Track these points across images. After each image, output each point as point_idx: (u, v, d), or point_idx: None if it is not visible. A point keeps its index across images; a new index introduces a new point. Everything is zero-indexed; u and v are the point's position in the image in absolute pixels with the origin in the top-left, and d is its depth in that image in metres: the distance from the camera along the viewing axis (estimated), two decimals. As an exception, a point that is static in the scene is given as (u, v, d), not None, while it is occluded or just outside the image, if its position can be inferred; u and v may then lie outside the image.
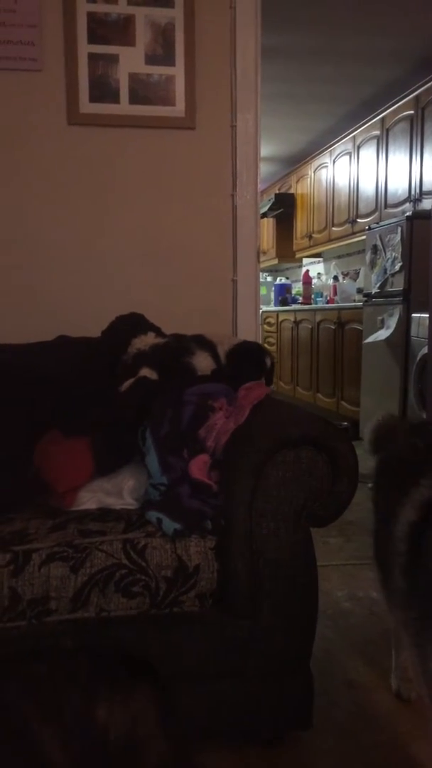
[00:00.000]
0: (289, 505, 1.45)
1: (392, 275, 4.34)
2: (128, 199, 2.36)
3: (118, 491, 1.62)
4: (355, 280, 6.11)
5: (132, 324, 1.99)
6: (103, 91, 2.30)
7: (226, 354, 2.00)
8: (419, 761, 1.49)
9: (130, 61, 2.30)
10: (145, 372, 1.84)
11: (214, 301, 2.42)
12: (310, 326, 6.01)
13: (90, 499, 1.60)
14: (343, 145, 5.94)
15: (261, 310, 2.66)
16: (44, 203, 2.31)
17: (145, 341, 1.93)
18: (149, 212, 2.37)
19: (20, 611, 1.33)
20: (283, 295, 7.42)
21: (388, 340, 4.26)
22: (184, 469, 1.56)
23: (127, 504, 1.60)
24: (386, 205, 5.12)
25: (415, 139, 4.69)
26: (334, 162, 6.18)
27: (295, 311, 6.56)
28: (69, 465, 1.64)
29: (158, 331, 2.00)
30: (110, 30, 2.28)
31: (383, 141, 5.15)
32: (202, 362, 1.90)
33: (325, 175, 6.43)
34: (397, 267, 4.26)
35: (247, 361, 2.00)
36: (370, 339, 4.50)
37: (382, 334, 4.31)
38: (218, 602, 1.44)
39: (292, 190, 7.45)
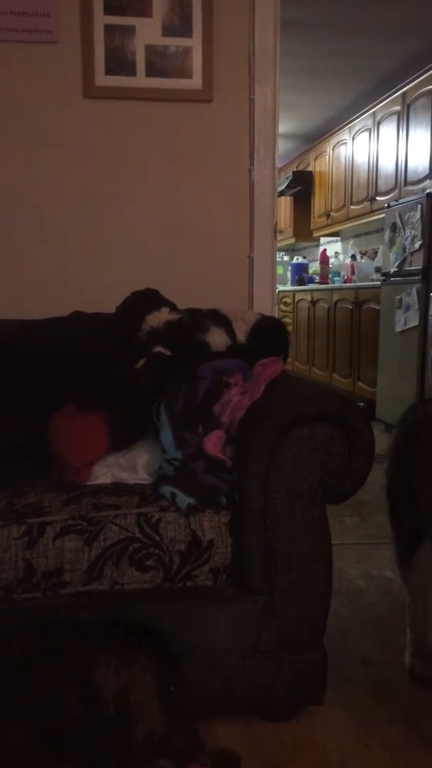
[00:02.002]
0: (305, 481, 1.44)
1: (411, 254, 4.28)
2: (144, 173, 2.33)
3: (132, 466, 1.62)
4: (373, 259, 6.04)
5: (146, 300, 1.97)
6: (119, 63, 2.26)
7: (248, 330, 1.96)
8: (433, 738, 1.48)
9: (147, 32, 2.26)
10: (159, 349, 1.83)
11: (230, 277, 2.40)
12: (326, 306, 5.96)
13: (104, 473, 1.60)
14: (363, 121, 5.84)
15: (277, 290, 2.62)
16: (59, 177, 2.29)
17: (158, 318, 1.92)
18: (165, 187, 2.34)
19: (34, 583, 1.33)
20: (300, 274, 7.36)
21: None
22: (199, 444, 1.55)
23: (141, 479, 1.60)
24: (406, 183, 5.04)
25: (437, 115, 4.60)
26: (353, 139, 6.09)
27: (311, 291, 6.51)
28: (84, 440, 1.64)
29: (172, 307, 1.98)
30: (126, 0, 2.24)
31: (404, 117, 5.05)
32: (217, 339, 1.89)
33: (344, 152, 6.33)
34: (417, 245, 4.20)
35: (271, 337, 1.97)
36: (399, 327, 4.38)
37: (412, 318, 4.22)
38: (232, 577, 1.43)
39: (310, 168, 7.36)
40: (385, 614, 2.06)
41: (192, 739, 1.22)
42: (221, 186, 2.38)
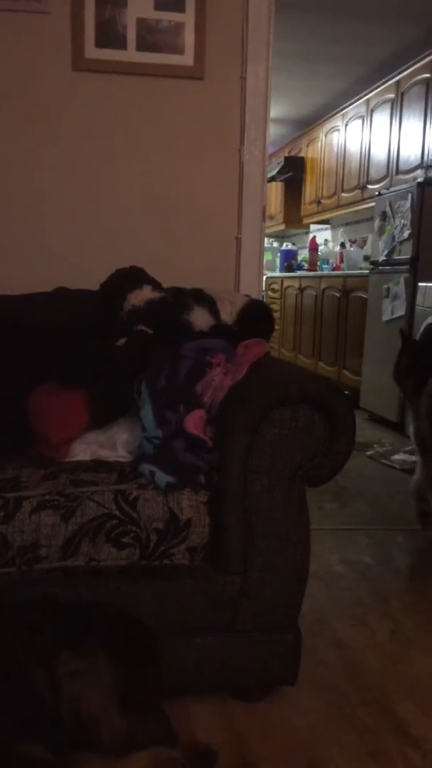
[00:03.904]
0: (285, 463, 1.43)
1: (400, 243, 4.28)
2: (132, 149, 2.30)
3: (112, 444, 1.61)
4: (362, 247, 6.03)
5: (131, 277, 1.95)
6: (110, 36, 2.23)
7: (237, 312, 1.94)
8: (405, 720, 1.50)
9: (139, 5, 2.23)
10: (141, 328, 1.81)
11: (217, 258, 2.38)
12: (314, 293, 5.96)
13: (83, 450, 1.59)
14: (356, 108, 5.81)
15: (266, 276, 2.61)
16: (46, 151, 2.26)
17: (140, 296, 1.89)
18: (153, 164, 2.32)
19: (10, 558, 1.32)
20: (289, 261, 7.34)
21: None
22: (180, 423, 1.54)
23: (120, 456, 1.59)
24: (398, 171, 5.02)
25: (431, 104, 4.58)
26: (346, 125, 6.06)
27: (300, 278, 6.50)
28: (64, 416, 1.63)
29: (156, 285, 1.96)
30: (119, -28, 2.20)
31: (397, 105, 5.03)
32: (200, 318, 1.86)
33: (336, 138, 6.30)
34: (406, 234, 4.19)
35: (258, 320, 1.96)
36: (386, 317, 4.37)
37: (399, 307, 4.22)
38: (209, 557, 1.43)
39: (302, 154, 7.32)
40: (361, 599, 2.07)
41: (162, 734, 1.21)
42: (210, 165, 2.36)
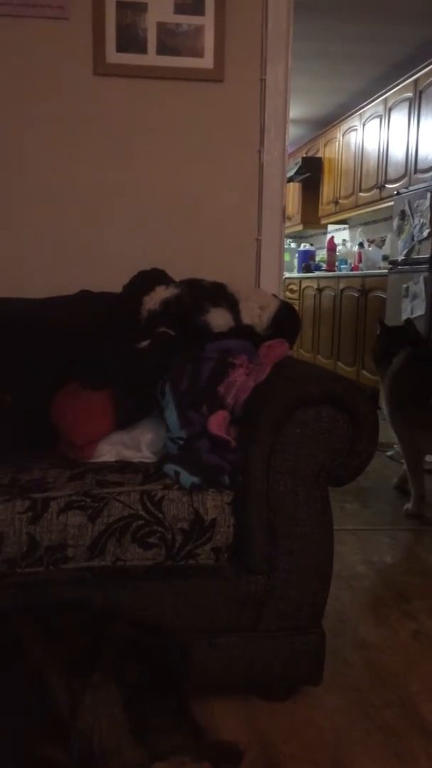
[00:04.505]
0: (308, 463, 1.44)
1: (419, 242, 4.26)
2: (153, 152, 2.32)
3: (136, 444, 1.62)
4: (380, 247, 6.01)
5: (152, 279, 1.96)
6: (130, 40, 2.24)
7: (270, 318, 1.91)
8: (429, 721, 1.49)
9: (159, 9, 2.24)
10: (163, 329, 1.81)
11: (237, 259, 2.39)
12: (333, 294, 5.94)
13: (108, 451, 1.61)
14: (374, 107, 5.79)
15: (283, 276, 2.61)
16: (67, 155, 2.27)
17: (154, 299, 1.87)
18: (174, 166, 2.33)
19: (38, 557, 1.34)
20: (307, 261, 7.33)
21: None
22: (203, 424, 1.55)
23: (145, 457, 1.60)
24: (416, 170, 5.00)
25: (449, 102, 4.56)
26: (363, 125, 6.03)
27: (318, 278, 6.48)
28: (88, 418, 1.64)
29: (175, 285, 1.94)
30: (139, -23, 2.22)
31: (416, 103, 5.01)
32: (219, 319, 1.86)
33: (354, 138, 6.28)
34: (425, 233, 4.17)
35: (290, 326, 1.96)
36: (406, 316, 4.35)
37: (418, 307, 4.20)
38: (234, 557, 1.44)
39: (319, 154, 7.31)
40: (384, 599, 2.07)
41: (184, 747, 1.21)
42: (230, 167, 2.36)
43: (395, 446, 3.86)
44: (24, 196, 2.27)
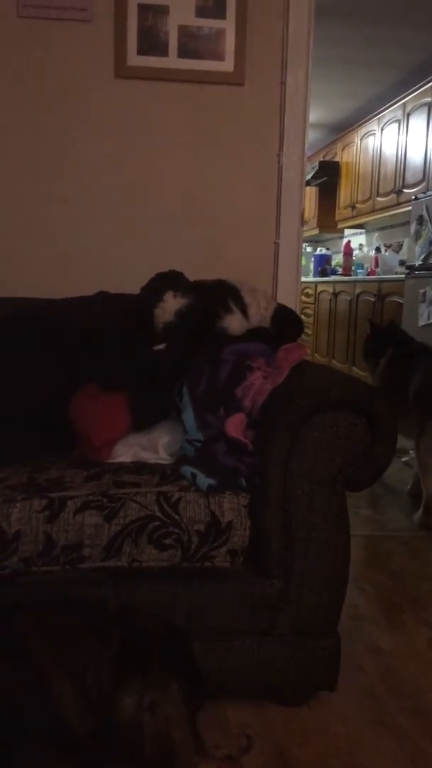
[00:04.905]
0: (325, 467, 1.43)
1: (437, 247, 4.24)
2: (173, 154, 2.32)
3: (153, 446, 1.62)
4: (397, 252, 5.98)
5: (170, 281, 1.97)
6: (152, 43, 2.26)
7: (270, 316, 1.95)
8: (444, 729, 1.48)
9: (180, 12, 2.25)
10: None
11: (255, 262, 2.39)
12: (348, 298, 5.92)
13: (125, 452, 1.61)
14: (393, 112, 5.77)
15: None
16: (88, 156, 2.29)
17: (166, 310, 1.87)
18: (193, 168, 2.34)
19: (54, 557, 1.34)
20: (323, 266, 7.31)
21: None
22: (220, 427, 1.55)
23: (161, 459, 1.60)
24: (434, 175, 4.98)
25: (469, 107, 4.53)
26: (382, 130, 6.02)
27: (334, 282, 6.47)
28: (105, 419, 1.65)
29: (185, 287, 1.94)
30: (161, -20, 2.23)
31: (435, 108, 4.98)
32: (234, 323, 1.87)
33: (372, 143, 6.27)
34: (443, 239, 4.15)
35: (291, 322, 1.97)
36: (423, 321, 4.34)
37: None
38: (249, 560, 1.44)
39: (337, 158, 7.29)
40: (399, 606, 2.05)
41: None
42: (249, 170, 2.37)
43: (411, 452, 3.84)
44: (42, 196, 2.29)
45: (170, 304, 1.89)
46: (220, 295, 1.93)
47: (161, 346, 1.79)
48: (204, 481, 1.41)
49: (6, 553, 1.32)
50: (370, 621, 1.96)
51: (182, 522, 1.38)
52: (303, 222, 2.48)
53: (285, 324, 1.93)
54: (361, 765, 1.36)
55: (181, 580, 1.41)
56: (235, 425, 1.54)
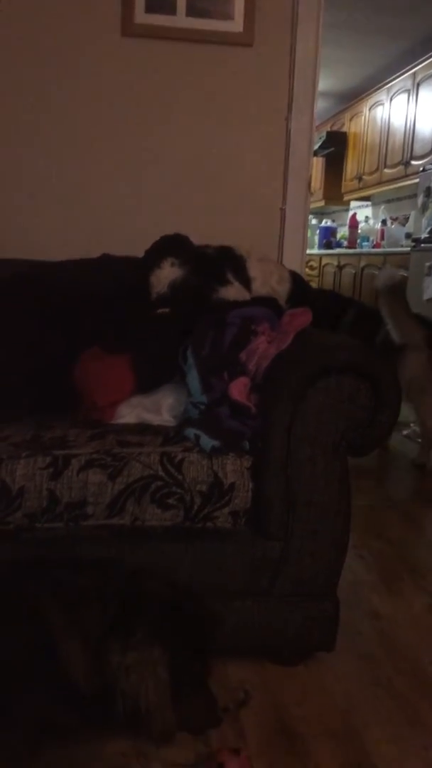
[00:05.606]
0: (328, 432, 1.43)
1: (444, 219, 4.20)
2: (180, 115, 2.29)
3: (156, 408, 1.62)
4: (404, 225, 5.92)
5: (174, 244, 1.95)
6: (160, 1, 2.21)
7: (287, 292, 1.93)
8: (440, 691, 1.50)
9: (189, -31, 2.20)
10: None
11: (261, 229, 2.37)
12: (353, 271, 5.88)
13: (129, 413, 1.61)
14: (402, 81, 5.67)
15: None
16: (93, 116, 2.26)
17: (161, 279, 1.85)
18: (200, 131, 2.31)
19: (58, 513, 1.35)
20: (328, 238, 7.24)
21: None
22: (224, 390, 1.55)
23: (165, 421, 1.61)
24: (443, 147, 4.91)
25: None
26: (391, 99, 5.92)
27: (338, 255, 6.42)
28: (109, 380, 1.65)
29: (185, 256, 1.91)
30: None
31: (445, 78, 4.90)
32: (230, 295, 1.85)
33: (380, 113, 6.17)
34: (450, 211, 4.11)
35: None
36: (427, 295, 4.32)
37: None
38: (251, 522, 1.44)
39: (344, 129, 7.19)
40: (398, 573, 2.07)
41: (206, 719, 1.23)
42: (257, 134, 2.34)
43: (412, 425, 3.85)
44: (46, 158, 2.26)
45: (165, 274, 1.87)
46: (219, 265, 1.91)
47: (165, 309, 1.78)
48: (207, 442, 1.42)
49: (10, 508, 1.33)
50: (369, 587, 1.97)
51: (185, 482, 1.38)
52: (310, 189, 2.46)
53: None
54: (357, 723, 1.39)
55: (183, 539, 1.42)
56: (238, 389, 1.54)
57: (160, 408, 1.62)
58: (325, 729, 1.36)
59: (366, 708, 1.44)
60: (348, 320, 2.54)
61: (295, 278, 2.03)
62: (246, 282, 1.91)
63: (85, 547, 1.37)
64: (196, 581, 1.41)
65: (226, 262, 1.92)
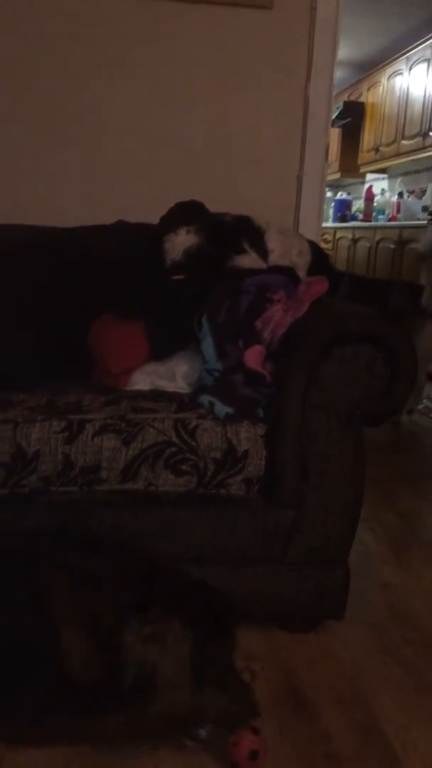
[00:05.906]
0: (343, 401, 1.43)
1: (462, 192, 4.13)
2: (196, 80, 2.25)
3: (171, 375, 1.62)
4: (420, 198, 5.84)
5: (190, 211, 1.92)
6: (178, -39, 2.16)
7: (307, 264, 1.90)
8: (449, 661, 1.51)
9: None
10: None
11: (278, 195, 2.34)
12: (368, 245, 5.82)
13: (143, 380, 1.61)
14: (421, 51, 5.54)
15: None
16: (108, 81, 2.22)
17: (176, 246, 1.82)
18: (217, 96, 2.27)
19: (72, 477, 1.36)
20: (343, 211, 7.15)
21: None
22: (239, 358, 1.54)
23: (179, 388, 1.60)
24: (463, 118, 4.82)
25: None
26: (410, 69, 5.80)
27: (353, 228, 6.34)
28: (123, 347, 1.65)
29: (200, 223, 1.89)
30: None
31: (467, 47, 4.79)
32: (245, 264, 1.83)
33: (399, 83, 6.05)
34: (469, 183, 4.04)
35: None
36: None
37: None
38: (264, 490, 1.45)
39: (362, 99, 7.06)
40: (408, 546, 2.08)
41: (241, 704, 1.14)
42: (275, 100, 2.29)
43: (425, 400, 3.84)
44: (64, 124, 2.23)
45: (181, 240, 1.85)
46: (236, 234, 1.88)
47: (180, 276, 1.77)
48: (221, 409, 1.41)
49: (25, 471, 1.34)
50: (379, 558, 1.98)
51: (199, 449, 1.38)
52: (327, 156, 2.42)
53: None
54: (366, 690, 1.40)
55: (196, 505, 1.42)
56: (254, 357, 1.54)
57: (175, 375, 1.62)
58: (334, 695, 1.38)
59: (374, 675, 1.45)
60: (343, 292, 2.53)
61: (315, 250, 2.01)
62: (263, 253, 1.89)
63: (99, 512, 1.38)
64: (208, 547, 1.42)
65: (243, 231, 1.90)
